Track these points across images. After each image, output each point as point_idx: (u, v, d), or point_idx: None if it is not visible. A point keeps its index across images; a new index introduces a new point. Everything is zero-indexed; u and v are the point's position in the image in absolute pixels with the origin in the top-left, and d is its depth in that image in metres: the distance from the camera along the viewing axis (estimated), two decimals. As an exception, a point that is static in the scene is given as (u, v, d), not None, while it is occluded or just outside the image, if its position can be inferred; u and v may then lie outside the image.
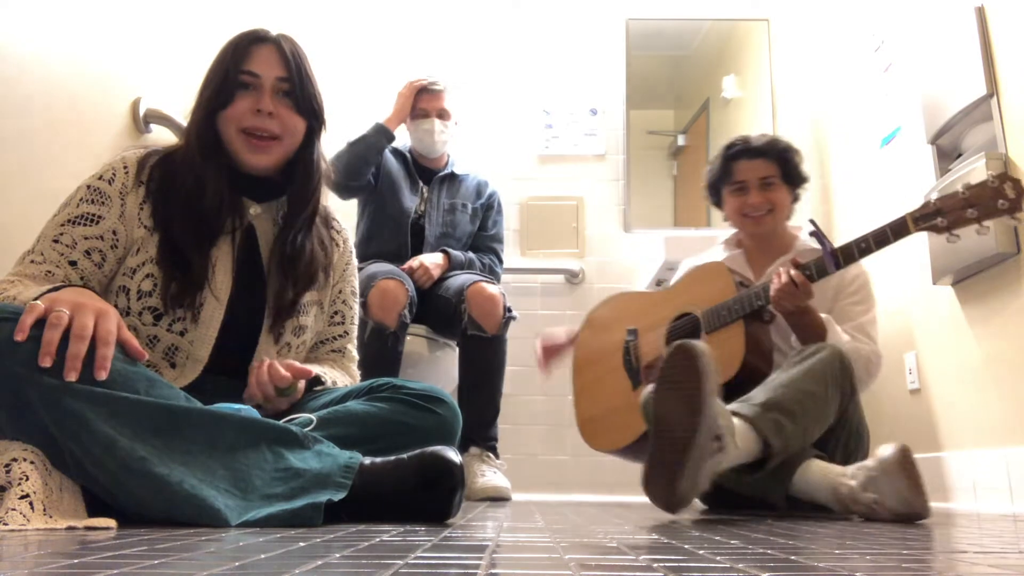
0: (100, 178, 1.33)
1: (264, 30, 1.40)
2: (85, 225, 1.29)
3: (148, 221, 1.33)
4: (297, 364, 1.36)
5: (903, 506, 1.30)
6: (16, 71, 1.52)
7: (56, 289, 1.15)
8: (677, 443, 1.26)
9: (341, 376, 1.51)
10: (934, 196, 1.56)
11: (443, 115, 2.63)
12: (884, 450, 1.35)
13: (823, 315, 1.82)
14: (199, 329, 1.32)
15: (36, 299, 1.08)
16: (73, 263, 1.27)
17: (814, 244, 1.94)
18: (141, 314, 1.30)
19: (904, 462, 1.31)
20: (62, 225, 1.29)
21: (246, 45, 1.36)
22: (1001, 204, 1.45)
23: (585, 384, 2.18)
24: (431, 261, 2.48)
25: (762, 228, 2.03)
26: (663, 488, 1.29)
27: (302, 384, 1.35)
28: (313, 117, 1.40)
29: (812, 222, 1.75)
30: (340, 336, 1.56)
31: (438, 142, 2.63)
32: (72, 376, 1.00)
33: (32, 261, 1.26)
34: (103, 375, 1.02)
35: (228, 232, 1.37)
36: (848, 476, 1.39)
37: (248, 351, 1.39)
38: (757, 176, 2.01)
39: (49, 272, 1.25)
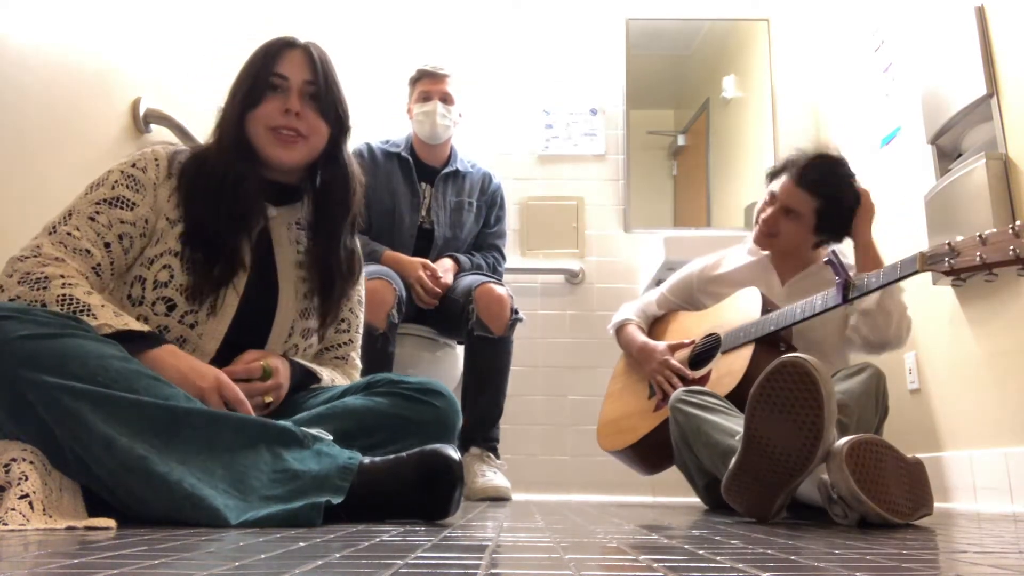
0: (134, 166, 1.34)
1: (294, 36, 1.44)
2: (121, 209, 1.30)
3: (172, 214, 1.34)
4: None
5: (850, 497, 1.19)
6: (16, 70, 1.52)
7: (147, 337, 1.22)
8: (785, 467, 1.21)
9: (341, 378, 1.52)
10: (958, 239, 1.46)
11: (446, 99, 2.59)
12: (842, 439, 1.25)
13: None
14: (210, 323, 1.33)
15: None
16: (107, 245, 1.28)
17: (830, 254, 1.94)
18: (155, 304, 1.30)
19: (850, 454, 1.19)
20: (97, 204, 1.29)
21: (277, 49, 1.41)
22: (1012, 251, 1.34)
23: (614, 391, 2.25)
24: (443, 270, 2.46)
25: (765, 245, 2.01)
26: (756, 502, 1.27)
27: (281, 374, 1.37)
28: (337, 122, 1.44)
29: (833, 252, 1.72)
30: (345, 344, 1.57)
31: (440, 125, 2.56)
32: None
33: (69, 234, 1.26)
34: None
35: (247, 230, 1.39)
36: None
37: (250, 346, 1.38)
38: (784, 202, 1.94)
39: (87, 251, 1.26)
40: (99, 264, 1.27)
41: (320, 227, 1.45)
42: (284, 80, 1.38)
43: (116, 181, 1.32)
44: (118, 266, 1.31)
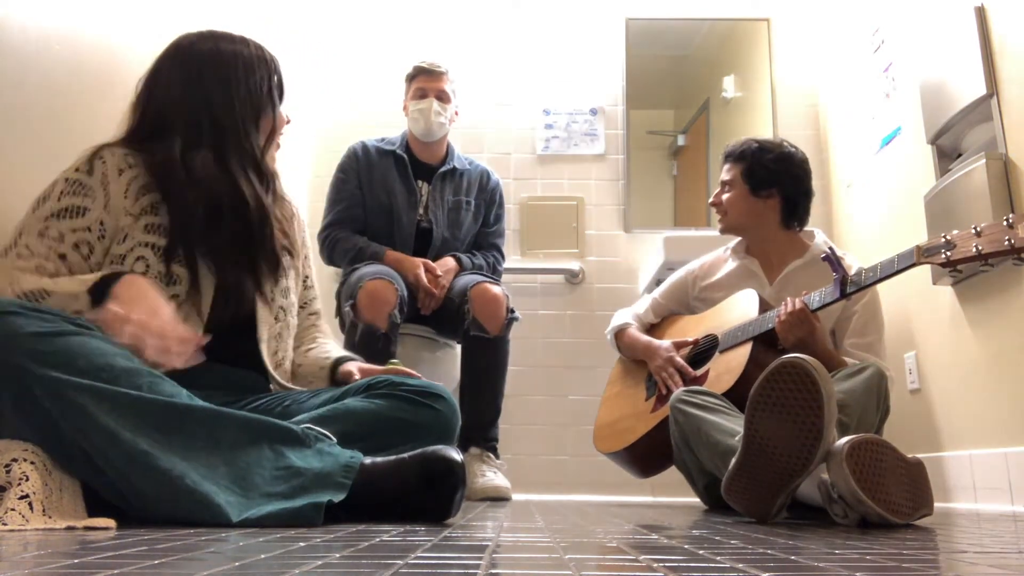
0: (78, 171, 1.32)
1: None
2: (71, 218, 1.28)
3: (133, 208, 1.32)
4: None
5: (850, 496, 1.18)
6: (17, 69, 1.52)
7: (103, 283, 1.20)
8: (785, 467, 1.21)
9: (324, 345, 1.63)
10: (955, 232, 1.48)
11: (442, 97, 2.58)
12: (843, 439, 1.24)
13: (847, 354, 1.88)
14: (191, 304, 1.32)
15: (95, 292, 1.17)
16: (62, 256, 1.26)
17: (825, 249, 1.96)
18: None
19: (851, 453, 1.19)
20: (45, 219, 1.28)
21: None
22: (1007, 241, 1.37)
23: (610, 395, 2.26)
24: (444, 270, 2.46)
25: (722, 226, 2.15)
26: (757, 502, 1.27)
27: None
28: None
29: (831, 248, 1.78)
30: (313, 299, 1.68)
31: (434, 123, 2.56)
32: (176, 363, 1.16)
33: (19, 255, 1.24)
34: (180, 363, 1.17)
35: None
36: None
37: (240, 329, 1.40)
38: (722, 179, 2.15)
39: (40, 266, 1.24)
40: (55, 274, 1.25)
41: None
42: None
43: (62, 192, 1.30)
44: (81, 273, 1.29)
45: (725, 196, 2.12)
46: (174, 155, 1.35)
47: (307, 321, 1.64)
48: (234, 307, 1.37)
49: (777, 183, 2.06)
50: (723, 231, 2.16)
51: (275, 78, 1.48)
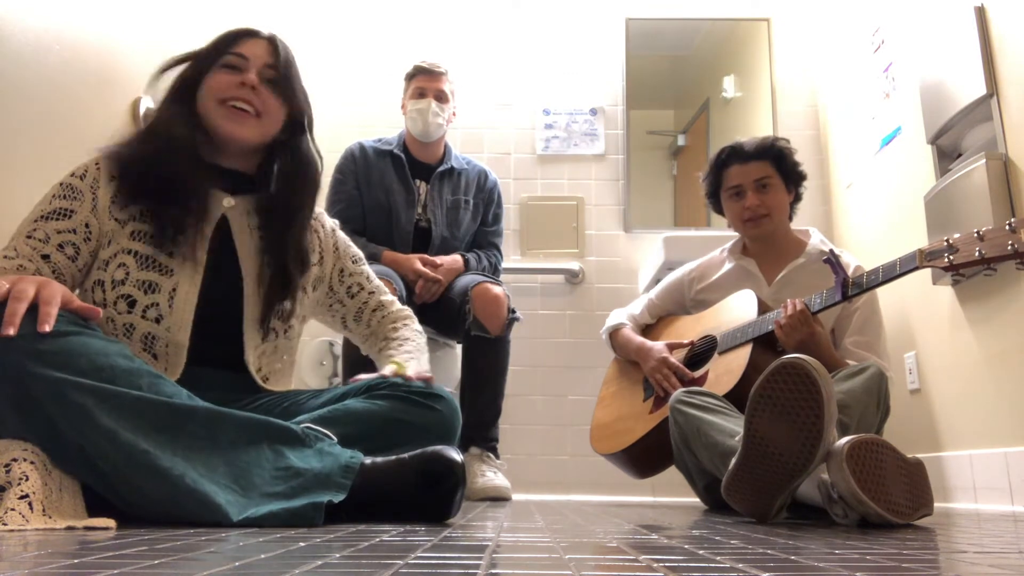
0: (72, 175, 1.35)
1: (257, 28, 1.44)
2: (57, 220, 1.30)
3: (120, 215, 1.33)
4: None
5: (850, 497, 1.18)
6: (16, 70, 1.52)
7: None
8: (785, 468, 1.21)
9: (414, 340, 1.60)
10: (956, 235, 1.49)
11: (441, 97, 2.59)
12: (843, 439, 1.24)
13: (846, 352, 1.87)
14: (174, 314, 1.32)
15: None
16: (46, 257, 1.28)
17: (823, 248, 1.96)
18: (116, 303, 1.30)
19: (851, 453, 1.19)
20: (35, 221, 1.30)
21: (237, 36, 1.42)
22: (1010, 246, 1.37)
23: (606, 394, 2.25)
24: (452, 267, 2.46)
25: (762, 230, 2.03)
26: (757, 502, 1.27)
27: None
28: (295, 107, 1.45)
29: (832, 251, 1.77)
30: (368, 297, 1.62)
31: (432, 124, 2.56)
32: (10, 331, 1.02)
33: (5, 256, 1.26)
34: (46, 328, 1.05)
35: (200, 220, 1.37)
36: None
37: (231, 340, 1.39)
38: (751, 178, 2.02)
39: (21, 267, 1.25)
40: (37, 272, 1.25)
41: (277, 216, 1.44)
42: (243, 60, 1.39)
43: (54, 195, 1.33)
44: (70, 274, 1.30)
45: (768, 197, 2.01)
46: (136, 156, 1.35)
47: (383, 323, 1.63)
48: (218, 325, 1.36)
49: (801, 176, 2.07)
50: (759, 236, 2.04)
51: (206, 51, 1.42)
